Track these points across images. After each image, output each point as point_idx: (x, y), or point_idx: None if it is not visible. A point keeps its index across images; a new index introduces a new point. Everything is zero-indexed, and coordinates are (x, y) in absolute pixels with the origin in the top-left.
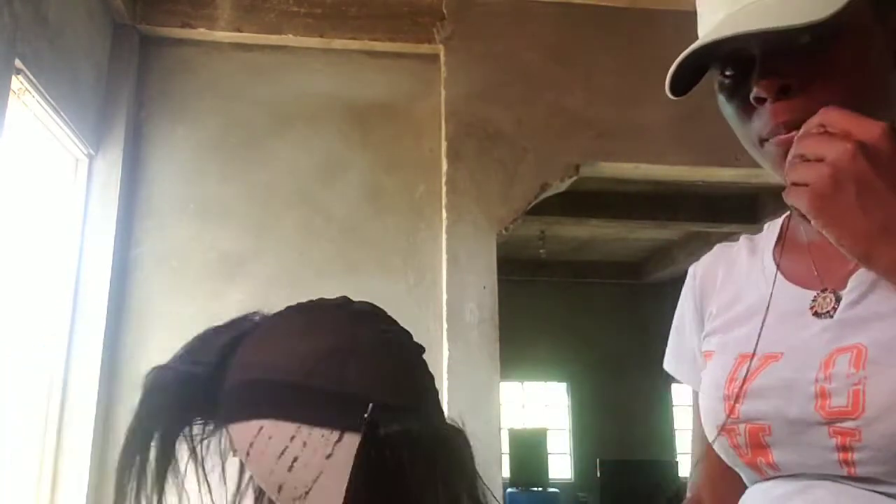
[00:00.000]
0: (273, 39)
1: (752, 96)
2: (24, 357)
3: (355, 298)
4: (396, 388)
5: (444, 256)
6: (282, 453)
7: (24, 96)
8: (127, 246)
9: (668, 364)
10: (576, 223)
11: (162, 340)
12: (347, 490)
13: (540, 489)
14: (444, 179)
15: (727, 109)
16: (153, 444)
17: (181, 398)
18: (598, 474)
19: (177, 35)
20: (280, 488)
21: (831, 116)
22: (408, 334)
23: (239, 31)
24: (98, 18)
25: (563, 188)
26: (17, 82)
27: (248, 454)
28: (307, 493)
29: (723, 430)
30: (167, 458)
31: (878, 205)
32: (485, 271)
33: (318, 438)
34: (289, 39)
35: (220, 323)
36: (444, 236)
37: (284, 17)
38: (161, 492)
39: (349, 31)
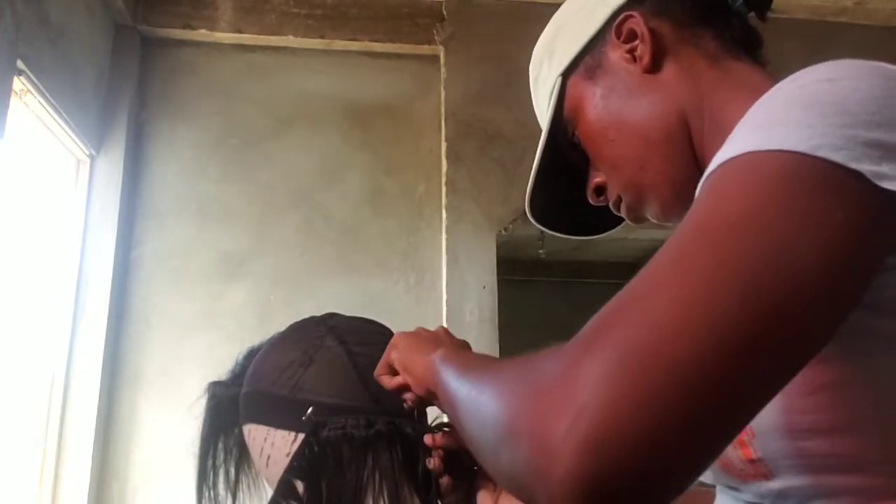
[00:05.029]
0: (274, 41)
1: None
2: (25, 357)
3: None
4: (347, 392)
5: (444, 256)
6: (261, 452)
7: (26, 97)
8: (128, 246)
9: None
10: None
11: (163, 339)
12: (279, 482)
13: None
14: (444, 180)
15: None
16: (220, 440)
17: (225, 406)
18: None
19: (178, 36)
20: (267, 481)
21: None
22: (383, 346)
23: (240, 32)
24: (100, 20)
25: None
26: (18, 83)
27: (250, 453)
28: None
29: None
30: (229, 451)
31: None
32: (485, 271)
33: (281, 438)
34: (289, 41)
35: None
36: (444, 236)
37: (285, 19)
38: (231, 471)
39: (350, 32)
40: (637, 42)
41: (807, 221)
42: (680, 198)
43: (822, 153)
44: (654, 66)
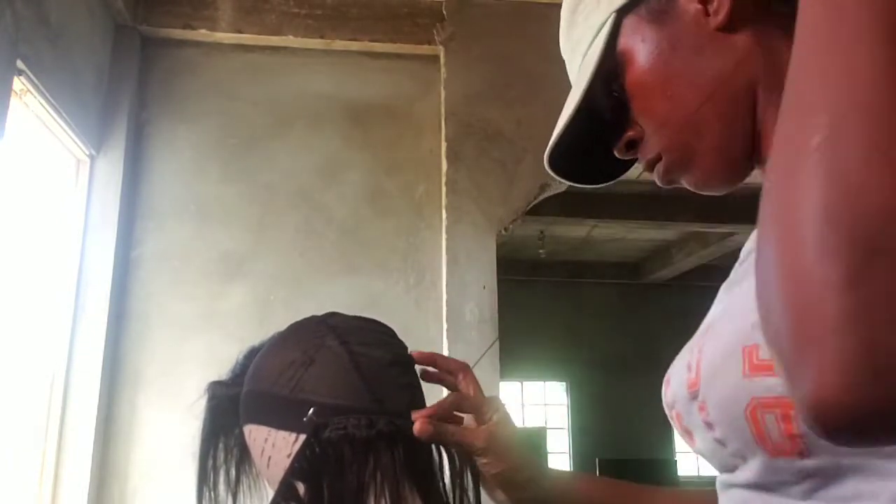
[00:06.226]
0: (274, 40)
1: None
2: (25, 357)
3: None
4: (348, 393)
5: (444, 256)
6: (261, 453)
7: (26, 97)
8: (128, 246)
9: None
10: (575, 223)
11: (163, 340)
12: (280, 483)
13: None
14: (444, 180)
15: None
16: (220, 440)
17: (226, 406)
18: (597, 473)
19: (178, 36)
20: (268, 482)
21: None
22: (384, 346)
23: (240, 32)
24: (99, 19)
25: (563, 189)
26: (18, 83)
27: (250, 454)
28: None
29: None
30: (230, 451)
31: None
32: (485, 271)
33: (281, 439)
34: (289, 40)
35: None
36: (444, 236)
37: (285, 19)
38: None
39: (349, 32)
40: None
41: None
42: (727, 170)
43: None
44: (730, 25)
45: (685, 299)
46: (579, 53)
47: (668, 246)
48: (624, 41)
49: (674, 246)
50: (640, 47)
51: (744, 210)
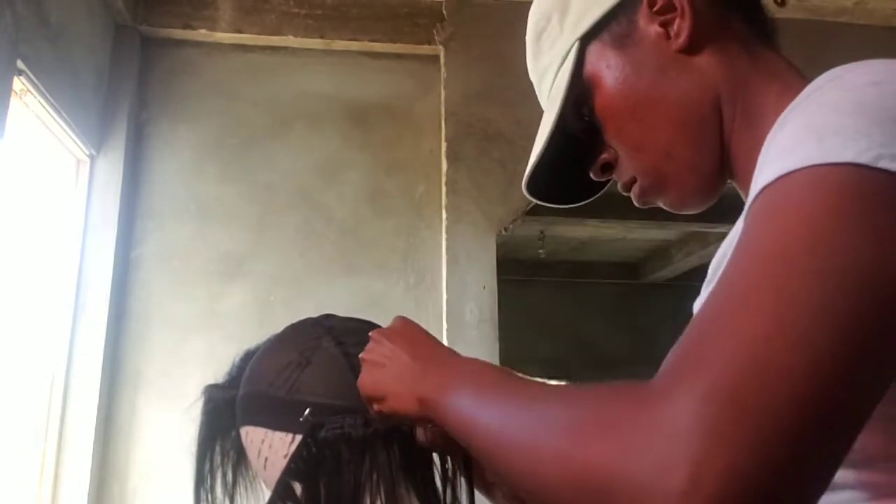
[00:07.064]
0: (274, 40)
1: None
2: (25, 357)
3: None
4: (344, 393)
5: (444, 257)
6: (258, 454)
7: (26, 97)
8: (128, 246)
9: None
10: (575, 223)
11: (163, 340)
12: (277, 484)
13: None
14: (444, 180)
15: None
16: (217, 443)
17: (222, 409)
18: None
19: (178, 36)
20: (265, 483)
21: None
22: None
23: (240, 32)
24: (99, 19)
25: None
26: (18, 83)
27: (247, 456)
28: None
29: None
30: (227, 454)
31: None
32: (484, 271)
33: (278, 440)
34: (289, 40)
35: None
36: (444, 236)
37: (285, 19)
38: (229, 476)
39: (349, 32)
40: (674, 16)
41: (883, 237)
42: (702, 189)
43: (883, 164)
44: (691, 47)
45: (685, 299)
46: (547, 81)
47: (668, 246)
48: (590, 67)
49: (674, 246)
50: (606, 73)
51: (741, 210)
